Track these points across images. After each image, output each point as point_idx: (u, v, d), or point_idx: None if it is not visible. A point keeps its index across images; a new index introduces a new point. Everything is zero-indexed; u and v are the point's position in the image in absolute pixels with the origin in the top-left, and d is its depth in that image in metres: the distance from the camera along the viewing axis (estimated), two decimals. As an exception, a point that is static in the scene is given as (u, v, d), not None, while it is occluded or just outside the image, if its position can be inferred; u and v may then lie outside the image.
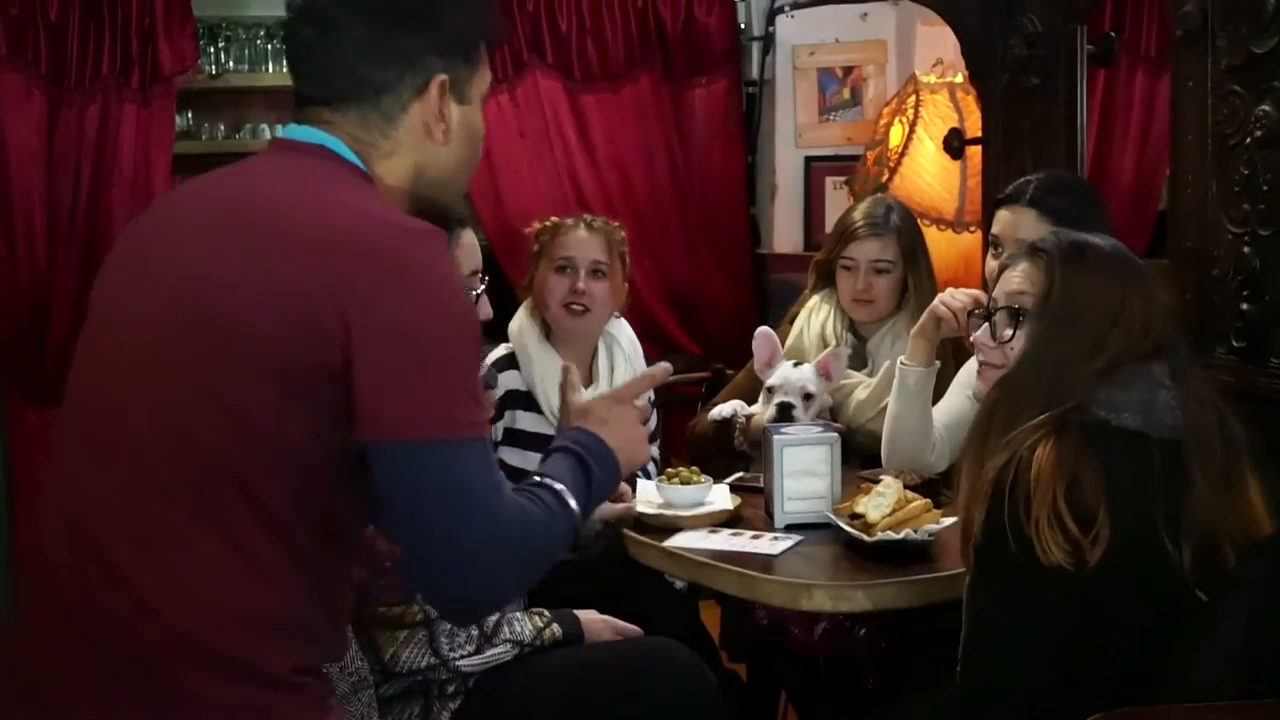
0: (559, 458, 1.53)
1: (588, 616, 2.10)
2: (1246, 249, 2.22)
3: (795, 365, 2.59)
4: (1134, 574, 1.57)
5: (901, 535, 2.01)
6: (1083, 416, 1.61)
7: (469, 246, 2.09)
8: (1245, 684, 1.51)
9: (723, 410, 2.69)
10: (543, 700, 2.00)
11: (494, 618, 2.03)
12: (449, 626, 1.99)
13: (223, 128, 5.67)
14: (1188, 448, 1.61)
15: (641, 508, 2.30)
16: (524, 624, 2.05)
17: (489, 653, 2.01)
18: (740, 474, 2.50)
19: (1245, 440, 1.66)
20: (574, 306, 2.58)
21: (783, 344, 2.79)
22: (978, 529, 1.62)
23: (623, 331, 2.73)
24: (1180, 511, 1.58)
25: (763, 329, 2.65)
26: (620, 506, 2.24)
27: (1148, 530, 1.57)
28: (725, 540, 2.15)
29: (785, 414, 2.51)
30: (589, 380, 2.63)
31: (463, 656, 1.99)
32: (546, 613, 2.09)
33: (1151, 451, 1.59)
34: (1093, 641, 1.60)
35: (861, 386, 2.71)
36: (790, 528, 2.19)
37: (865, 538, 2.03)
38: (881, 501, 2.09)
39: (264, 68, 5.61)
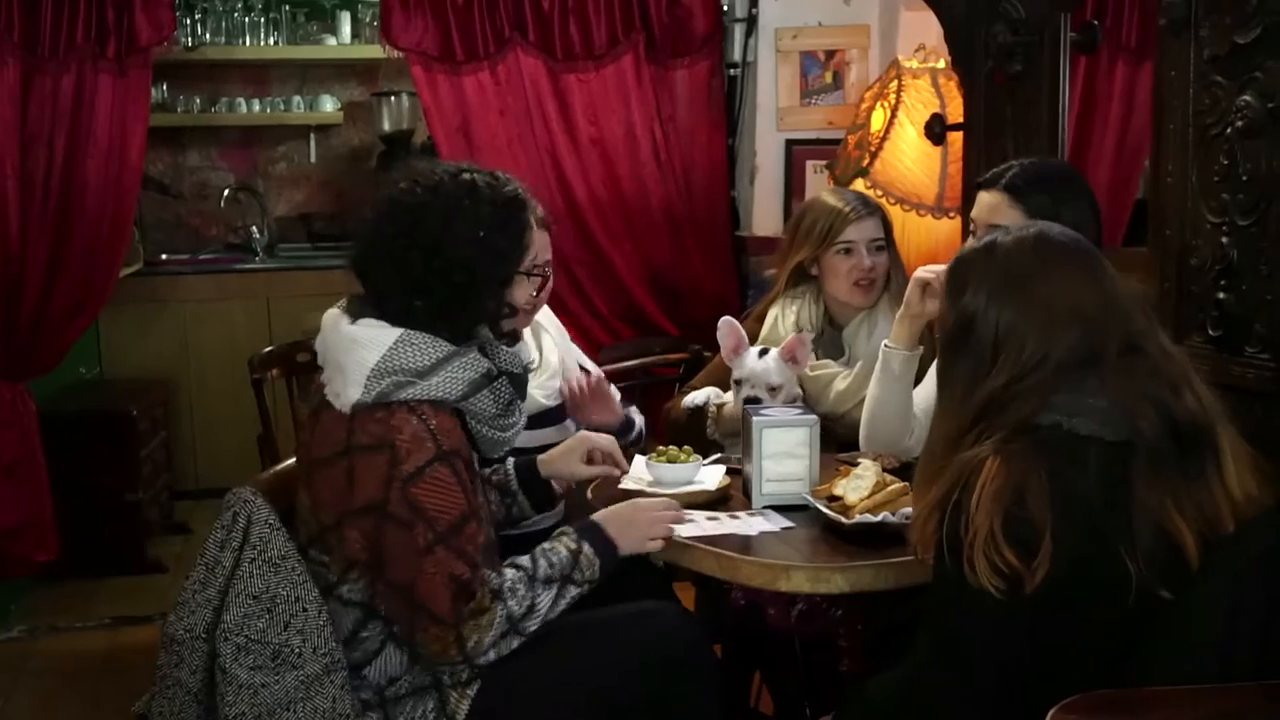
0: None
1: (608, 516, 2.06)
2: (1225, 239, 2.24)
3: (761, 354, 2.58)
4: (1089, 582, 1.57)
5: (879, 518, 2.02)
6: (1035, 424, 1.60)
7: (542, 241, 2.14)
8: (1226, 672, 1.52)
9: (696, 398, 2.70)
10: (557, 675, 1.98)
11: (527, 559, 1.97)
12: (506, 585, 1.92)
13: (199, 100, 5.63)
14: (1131, 449, 1.59)
15: (627, 483, 2.31)
16: (556, 554, 1.98)
17: (542, 599, 1.94)
18: (719, 454, 2.50)
19: (1210, 430, 1.63)
20: (531, 310, 2.56)
21: (756, 340, 2.78)
22: (929, 540, 1.64)
23: (544, 313, 2.70)
24: (1131, 514, 1.57)
25: (726, 319, 2.64)
26: (597, 469, 2.28)
27: (1100, 539, 1.56)
28: (699, 525, 2.14)
29: None
30: None
31: (526, 615, 1.91)
32: (570, 531, 2.03)
33: (1102, 456, 1.59)
34: (1056, 642, 1.60)
35: (841, 377, 2.71)
36: (768, 509, 2.20)
37: (843, 520, 2.04)
38: (860, 484, 2.10)
39: (241, 41, 5.57)
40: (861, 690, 1.92)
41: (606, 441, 2.32)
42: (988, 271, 1.71)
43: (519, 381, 2.09)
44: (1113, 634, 1.59)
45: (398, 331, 1.94)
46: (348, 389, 1.92)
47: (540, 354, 2.68)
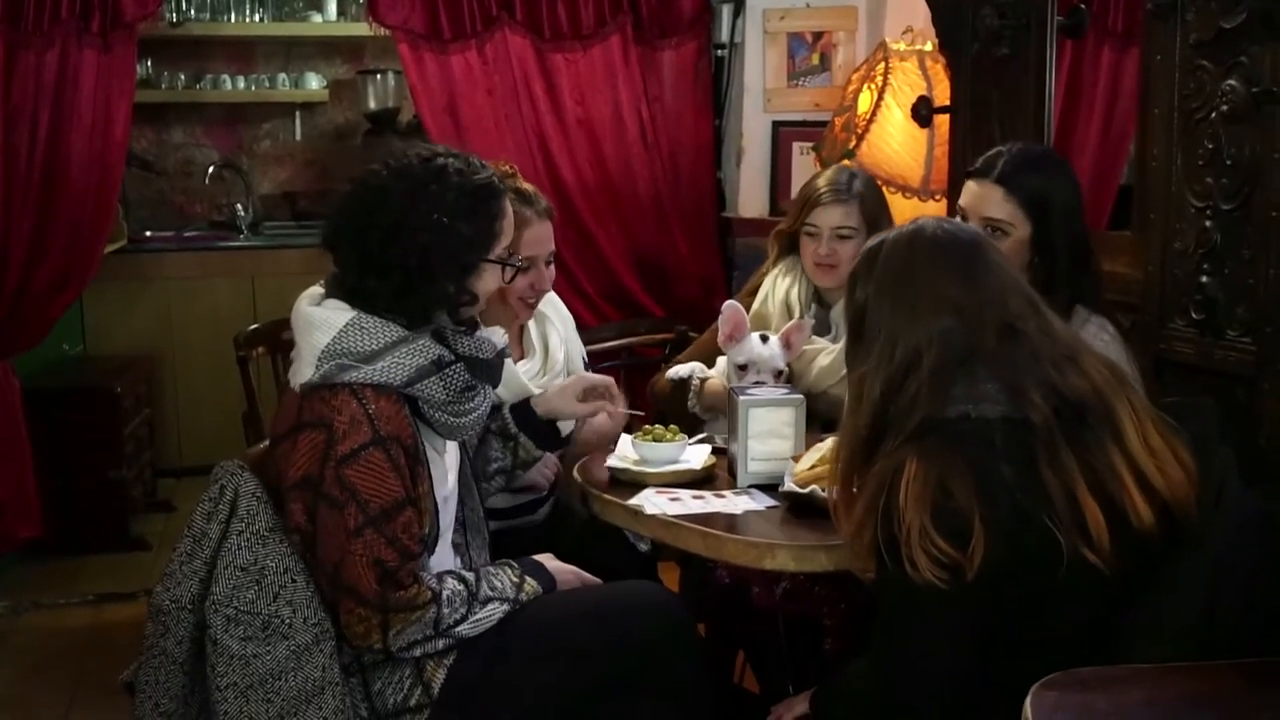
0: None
1: (553, 565, 2.12)
2: (1208, 223, 2.25)
3: (764, 340, 2.58)
4: (1024, 556, 1.60)
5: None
6: (944, 419, 1.64)
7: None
8: (1205, 649, 1.55)
9: (680, 371, 2.70)
10: (536, 647, 2.00)
11: (471, 575, 2.03)
12: (445, 594, 1.96)
13: (183, 77, 5.59)
14: (1030, 426, 1.63)
15: (613, 462, 2.32)
16: (500, 578, 2.04)
17: (480, 613, 1.99)
18: (704, 434, 2.51)
19: (1103, 403, 1.67)
20: (532, 301, 2.58)
21: (749, 312, 2.80)
22: (868, 550, 1.66)
23: (551, 306, 2.70)
24: (1045, 484, 1.61)
25: (731, 302, 2.64)
26: (591, 406, 2.31)
27: (1025, 514, 1.60)
28: (685, 504, 2.15)
29: None
30: (521, 355, 2.64)
31: (458, 623, 1.97)
32: (514, 564, 2.09)
33: (1012, 434, 1.62)
34: (1011, 628, 1.63)
35: (824, 353, 2.72)
36: (754, 488, 2.21)
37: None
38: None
39: (226, 17, 5.53)
40: (842, 673, 1.94)
41: (602, 380, 2.34)
42: (872, 268, 1.77)
43: (486, 367, 2.07)
44: (1068, 611, 1.62)
45: (351, 314, 1.97)
46: (302, 369, 1.96)
47: (546, 351, 2.64)
